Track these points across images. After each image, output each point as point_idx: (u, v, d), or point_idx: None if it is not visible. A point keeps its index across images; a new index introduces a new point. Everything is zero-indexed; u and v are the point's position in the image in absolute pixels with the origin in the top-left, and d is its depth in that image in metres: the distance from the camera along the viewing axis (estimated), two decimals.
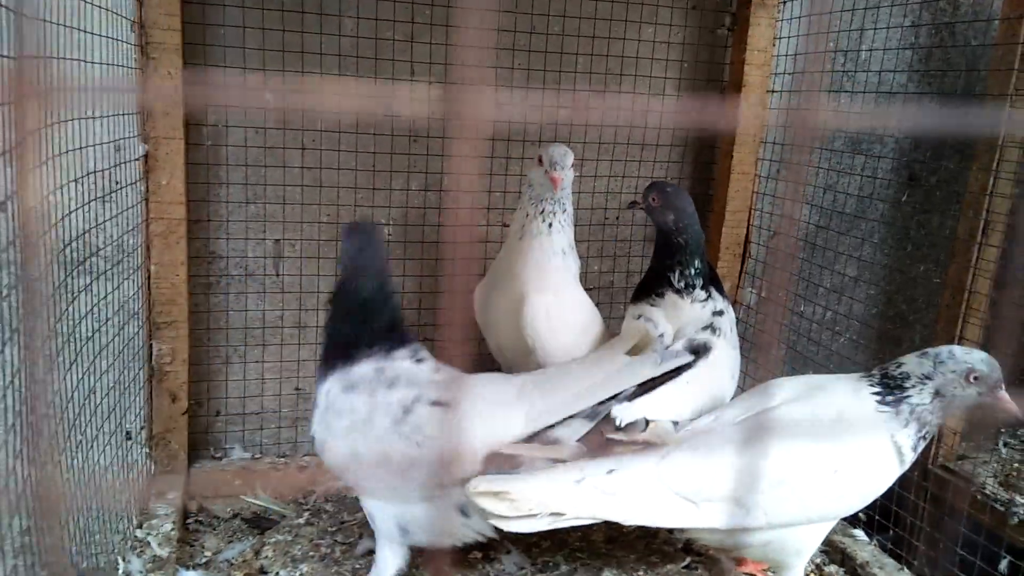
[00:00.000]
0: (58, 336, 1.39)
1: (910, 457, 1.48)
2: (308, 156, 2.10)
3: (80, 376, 1.50)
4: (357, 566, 1.78)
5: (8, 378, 1.16)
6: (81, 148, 1.47)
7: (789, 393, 1.57)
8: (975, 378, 1.44)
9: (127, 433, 1.78)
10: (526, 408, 1.49)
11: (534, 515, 1.37)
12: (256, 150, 2.05)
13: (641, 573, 1.81)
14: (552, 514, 1.38)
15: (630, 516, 1.44)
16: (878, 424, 1.48)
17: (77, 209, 1.48)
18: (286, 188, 2.10)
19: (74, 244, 1.50)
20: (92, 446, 1.57)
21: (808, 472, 1.46)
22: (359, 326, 1.56)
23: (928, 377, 1.47)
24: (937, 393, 1.46)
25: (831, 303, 2.58)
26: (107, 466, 1.67)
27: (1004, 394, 1.44)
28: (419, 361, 1.57)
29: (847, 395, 1.53)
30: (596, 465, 1.44)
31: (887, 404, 1.48)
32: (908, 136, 2.59)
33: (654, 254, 1.99)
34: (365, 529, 1.87)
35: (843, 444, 1.49)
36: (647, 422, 1.64)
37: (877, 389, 1.51)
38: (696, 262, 1.92)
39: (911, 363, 1.50)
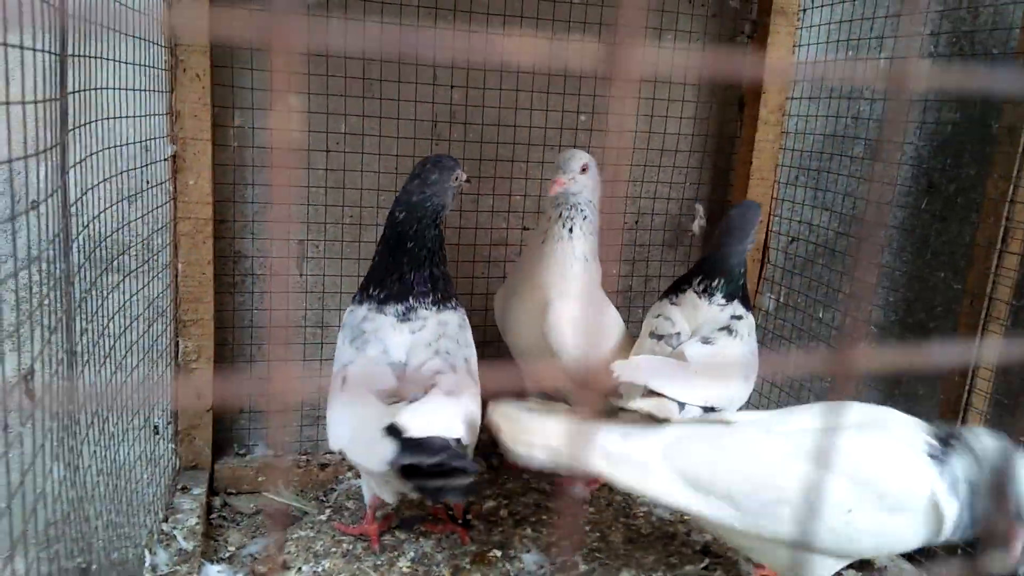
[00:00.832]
0: (90, 333, 1.43)
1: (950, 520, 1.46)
2: (332, 159, 2.13)
3: (111, 372, 1.54)
4: (379, 562, 1.81)
5: (48, 376, 1.19)
6: (112, 147, 1.51)
7: (857, 418, 1.57)
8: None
9: (155, 428, 1.82)
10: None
11: (533, 446, 1.43)
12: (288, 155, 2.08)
13: (660, 574, 1.83)
14: (550, 448, 1.43)
15: (629, 479, 1.47)
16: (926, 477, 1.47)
17: (107, 209, 1.52)
18: (310, 189, 2.13)
19: (105, 243, 1.54)
20: (122, 441, 1.61)
21: (859, 506, 1.46)
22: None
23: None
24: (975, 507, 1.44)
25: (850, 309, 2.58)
26: (134, 461, 1.70)
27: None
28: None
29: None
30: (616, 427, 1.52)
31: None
32: (927, 143, 2.60)
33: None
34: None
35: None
36: (651, 392, 1.65)
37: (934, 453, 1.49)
38: (719, 281, 1.97)
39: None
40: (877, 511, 1.46)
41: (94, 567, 1.31)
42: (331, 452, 2.25)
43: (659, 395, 1.67)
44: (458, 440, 1.50)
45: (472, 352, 1.78)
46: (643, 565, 1.85)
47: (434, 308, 1.76)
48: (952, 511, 1.43)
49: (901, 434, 1.52)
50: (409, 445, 1.42)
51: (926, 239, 2.67)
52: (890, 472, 1.47)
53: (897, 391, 2.70)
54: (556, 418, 1.47)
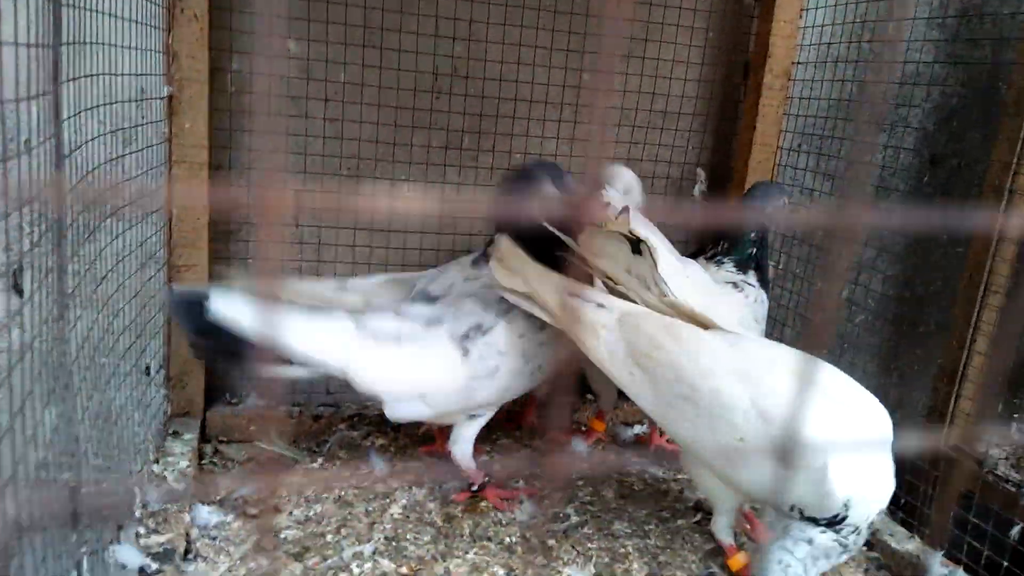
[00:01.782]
0: (77, 275, 1.41)
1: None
2: (331, 107, 2.11)
3: (105, 316, 1.51)
4: (370, 508, 1.80)
5: (39, 324, 1.17)
6: (105, 74, 1.48)
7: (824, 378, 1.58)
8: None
9: (146, 368, 1.80)
10: None
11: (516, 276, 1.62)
12: (279, 98, 2.06)
13: (652, 527, 1.83)
14: (525, 294, 1.62)
15: (585, 338, 1.58)
16: None
17: (96, 138, 1.48)
18: (307, 139, 2.11)
19: (93, 182, 1.51)
20: (109, 385, 1.58)
21: (754, 441, 1.48)
22: None
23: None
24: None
25: (848, 282, 2.57)
26: (123, 405, 1.69)
27: None
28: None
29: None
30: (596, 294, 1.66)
31: None
32: (931, 117, 2.58)
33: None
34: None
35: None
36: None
37: None
38: (723, 245, 2.03)
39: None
40: (767, 456, 1.48)
41: (83, 505, 1.30)
42: (324, 404, 2.25)
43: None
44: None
45: (500, 335, 1.71)
46: (636, 519, 1.85)
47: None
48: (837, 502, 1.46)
49: (849, 409, 1.53)
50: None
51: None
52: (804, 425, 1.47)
53: (893, 366, 2.70)
54: (549, 275, 1.61)
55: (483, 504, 1.84)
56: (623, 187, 2.06)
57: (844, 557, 1.55)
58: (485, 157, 2.29)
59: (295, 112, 2.09)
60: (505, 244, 1.66)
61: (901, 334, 2.68)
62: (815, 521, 1.50)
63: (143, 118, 1.71)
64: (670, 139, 2.44)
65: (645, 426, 2.35)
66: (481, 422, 1.79)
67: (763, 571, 1.52)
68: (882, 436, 1.50)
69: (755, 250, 2.02)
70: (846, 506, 1.50)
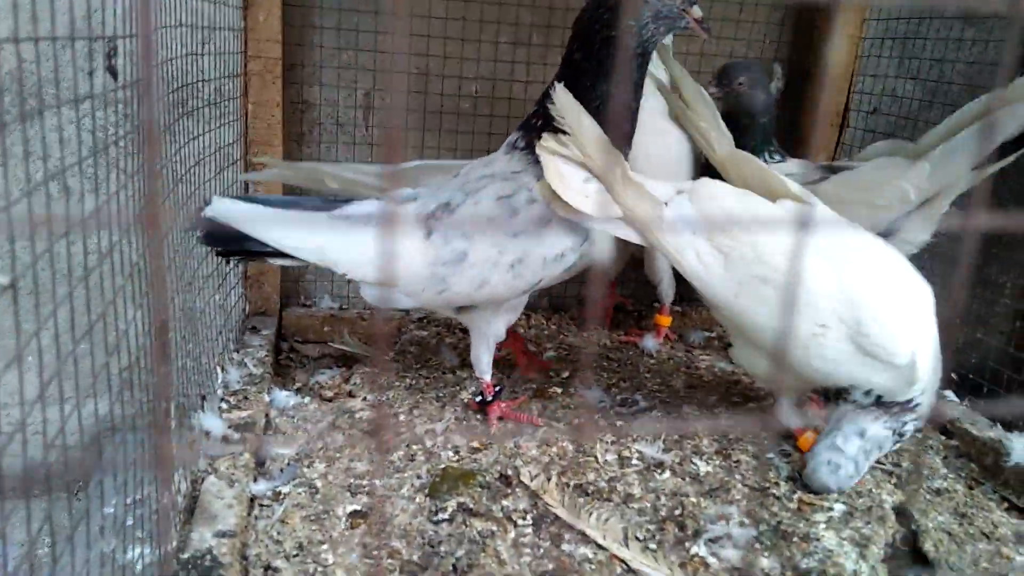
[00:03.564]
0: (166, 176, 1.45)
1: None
2: (400, 0, 2.09)
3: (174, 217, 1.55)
4: (441, 394, 1.83)
5: (124, 228, 1.21)
6: None
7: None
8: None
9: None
10: None
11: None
12: None
13: (721, 409, 1.81)
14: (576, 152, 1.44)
15: (641, 212, 1.46)
16: None
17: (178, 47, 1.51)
18: (377, 35, 2.11)
19: (176, 86, 1.53)
20: (191, 286, 1.63)
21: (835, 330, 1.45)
22: None
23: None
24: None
25: None
26: (203, 306, 1.73)
27: None
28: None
29: None
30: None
31: None
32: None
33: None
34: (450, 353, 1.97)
35: None
36: None
37: None
38: (774, 140, 1.95)
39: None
40: (848, 342, 1.42)
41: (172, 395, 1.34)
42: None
43: None
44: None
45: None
46: (705, 403, 1.83)
47: (509, 149, 1.61)
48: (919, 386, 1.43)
49: (926, 298, 1.47)
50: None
51: None
52: (886, 316, 1.43)
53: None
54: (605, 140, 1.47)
55: (551, 388, 1.85)
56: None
57: (896, 446, 1.51)
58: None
59: (366, 7, 2.09)
60: (561, 92, 1.43)
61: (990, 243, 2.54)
62: (887, 407, 1.46)
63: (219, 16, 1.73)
64: (747, 32, 2.35)
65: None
66: (493, 328, 1.65)
67: (813, 472, 1.49)
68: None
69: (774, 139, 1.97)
70: (923, 392, 1.46)
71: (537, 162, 1.46)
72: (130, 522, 1.19)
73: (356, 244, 1.50)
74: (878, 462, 1.68)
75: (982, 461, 1.70)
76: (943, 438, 1.81)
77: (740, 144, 1.83)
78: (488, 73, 2.21)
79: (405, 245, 1.51)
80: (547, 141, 1.44)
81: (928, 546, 1.41)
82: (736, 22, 2.33)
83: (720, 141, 1.65)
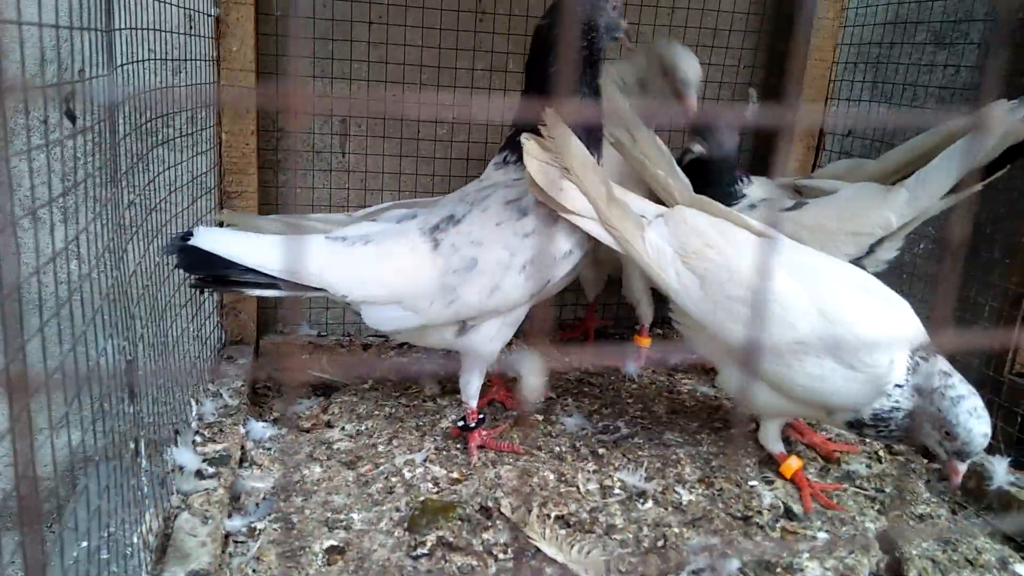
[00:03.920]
0: (137, 206, 1.42)
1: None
2: (375, 31, 2.10)
3: (147, 246, 1.52)
4: (420, 423, 1.81)
5: (97, 255, 1.18)
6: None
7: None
8: (947, 434, 1.40)
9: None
10: None
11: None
12: (324, 23, 2.06)
13: (704, 435, 1.80)
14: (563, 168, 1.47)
15: (625, 231, 1.50)
16: None
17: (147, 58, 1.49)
18: (352, 64, 2.10)
19: (149, 116, 1.52)
20: (163, 316, 1.60)
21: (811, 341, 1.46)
22: None
23: (919, 393, 1.42)
24: (911, 414, 1.43)
25: None
26: (178, 336, 1.70)
27: (959, 467, 1.42)
28: None
29: None
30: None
31: None
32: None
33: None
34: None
35: None
36: None
37: None
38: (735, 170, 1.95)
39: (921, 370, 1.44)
40: (827, 356, 1.43)
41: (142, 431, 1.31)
42: (374, 335, 2.26)
43: None
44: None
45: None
46: (687, 429, 1.82)
47: (501, 164, 1.66)
48: (899, 399, 1.42)
49: (894, 313, 1.49)
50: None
51: None
52: (861, 324, 1.45)
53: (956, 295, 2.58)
54: (592, 162, 1.53)
55: (532, 416, 1.84)
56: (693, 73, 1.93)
57: None
58: None
59: (341, 36, 2.08)
60: (551, 116, 1.44)
61: (962, 262, 2.56)
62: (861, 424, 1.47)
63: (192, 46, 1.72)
64: (721, 58, 2.37)
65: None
66: (491, 347, 1.61)
67: None
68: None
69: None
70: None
71: None
72: (105, 555, 1.16)
73: (356, 263, 1.48)
74: (861, 487, 1.68)
75: (965, 485, 1.70)
76: (925, 461, 1.81)
77: (710, 182, 1.86)
78: (463, 99, 2.21)
79: (411, 258, 1.50)
80: (529, 142, 1.46)
81: (912, 574, 1.40)
82: (711, 48, 2.34)
83: (680, 188, 1.65)
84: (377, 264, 1.47)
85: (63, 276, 1.24)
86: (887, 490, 1.68)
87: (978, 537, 1.54)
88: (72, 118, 1.01)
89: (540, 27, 1.58)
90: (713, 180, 1.87)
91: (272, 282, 1.44)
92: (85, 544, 1.17)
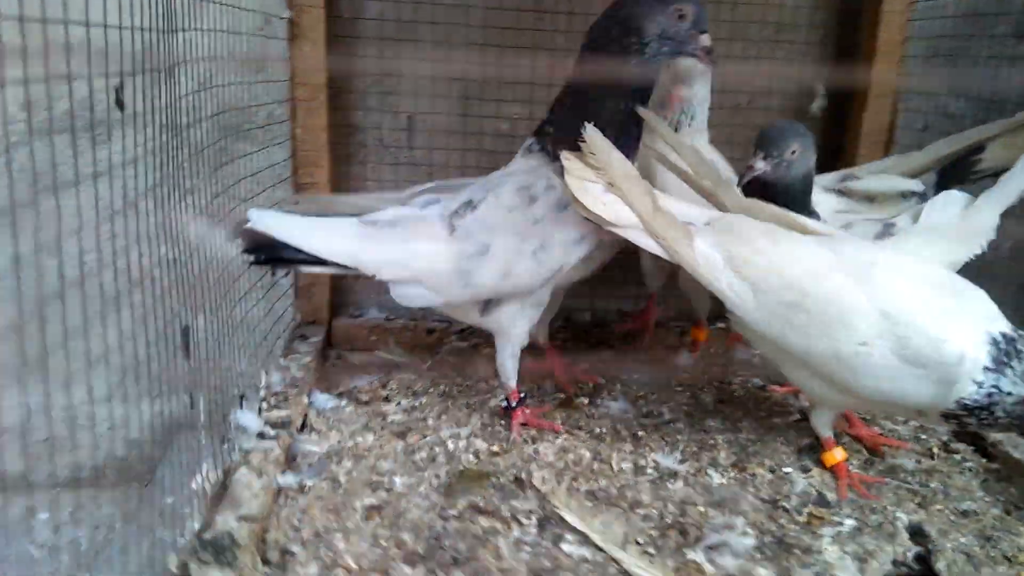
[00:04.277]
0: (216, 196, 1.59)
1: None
2: (438, 30, 2.21)
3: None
4: (471, 401, 1.90)
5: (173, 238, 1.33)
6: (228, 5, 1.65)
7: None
8: None
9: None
10: None
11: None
12: (391, 24, 2.19)
13: (745, 423, 1.82)
14: (608, 184, 1.50)
15: (668, 236, 1.50)
16: None
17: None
18: (418, 63, 2.23)
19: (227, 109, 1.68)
20: (244, 298, 1.76)
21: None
22: None
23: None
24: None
25: None
26: (247, 312, 1.85)
27: None
28: None
29: None
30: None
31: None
32: None
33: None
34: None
35: None
36: None
37: None
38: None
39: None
40: (891, 354, 1.39)
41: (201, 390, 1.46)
42: (437, 320, 2.37)
43: None
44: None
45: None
46: (730, 417, 1.85)
47: (526, 152, 1.73)
48: (996, 385, 1.36)
49: (964, 304, 1.43)
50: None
51: None
52: (925, 320, 1.39)
53: None
54: (635, 173, 1.55)
55: (577, 399, 1.90)
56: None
57: None
58: None
59: (407, 36, 2.21)
60: (591, 131, 1.50)
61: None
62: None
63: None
64: (786, 53, 2.36)
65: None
66: (518, 328, 1.70)
67: None
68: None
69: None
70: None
71: (554, 159, 1.58)
72: (187, 509, 1.31)
73: (385, 245, 1.60)
74: (904, 481, 1.66)
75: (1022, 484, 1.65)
76: (984, 460, 1.77)
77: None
78: (525, 96, 2.29)
79: (430, 243, 1.60)
80: (570, 161, 1.52)
81: (940, 565, 1.39)
82: (773, 42, 2.34)
83: (730, 197, 1.62)
84: (402, 246, 1.58)
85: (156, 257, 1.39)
86: (932, 484, 1.65)
87: (1023, 535, 1.50)
88: (121, 105, 1.15)
89: (590, 30, 1.63)
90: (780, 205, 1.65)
91: (319, 259, 1.57)
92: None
